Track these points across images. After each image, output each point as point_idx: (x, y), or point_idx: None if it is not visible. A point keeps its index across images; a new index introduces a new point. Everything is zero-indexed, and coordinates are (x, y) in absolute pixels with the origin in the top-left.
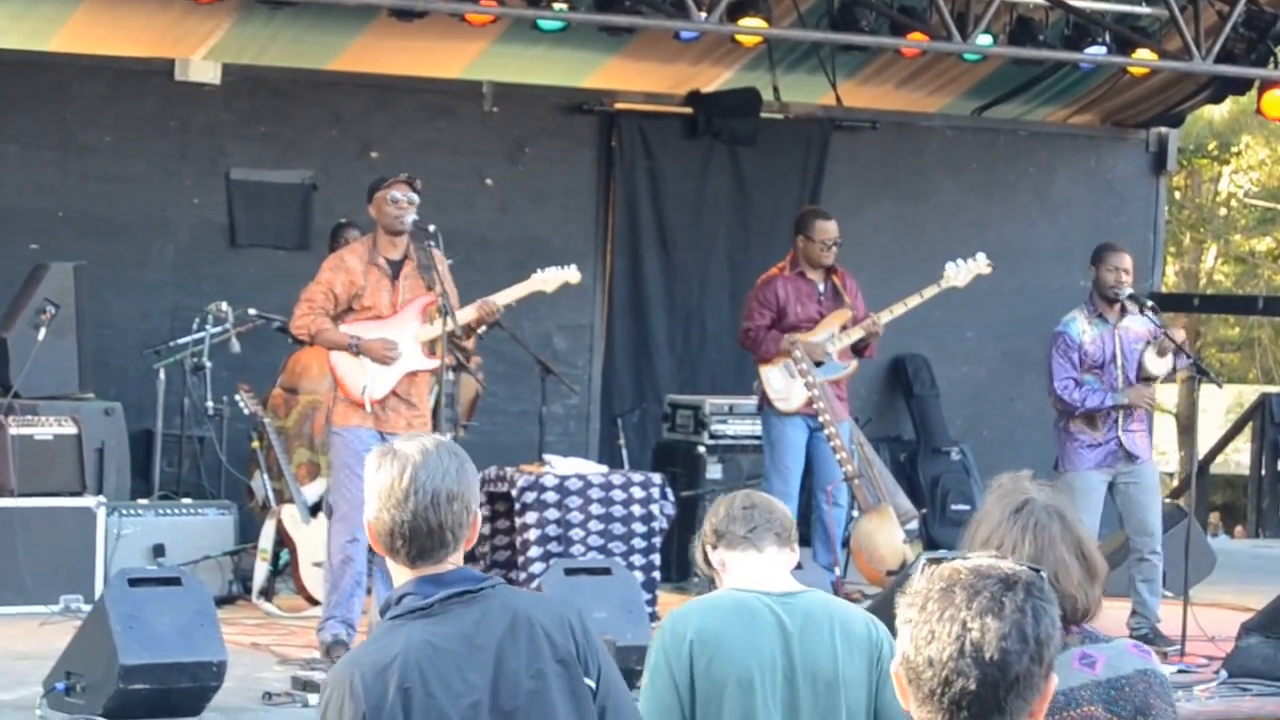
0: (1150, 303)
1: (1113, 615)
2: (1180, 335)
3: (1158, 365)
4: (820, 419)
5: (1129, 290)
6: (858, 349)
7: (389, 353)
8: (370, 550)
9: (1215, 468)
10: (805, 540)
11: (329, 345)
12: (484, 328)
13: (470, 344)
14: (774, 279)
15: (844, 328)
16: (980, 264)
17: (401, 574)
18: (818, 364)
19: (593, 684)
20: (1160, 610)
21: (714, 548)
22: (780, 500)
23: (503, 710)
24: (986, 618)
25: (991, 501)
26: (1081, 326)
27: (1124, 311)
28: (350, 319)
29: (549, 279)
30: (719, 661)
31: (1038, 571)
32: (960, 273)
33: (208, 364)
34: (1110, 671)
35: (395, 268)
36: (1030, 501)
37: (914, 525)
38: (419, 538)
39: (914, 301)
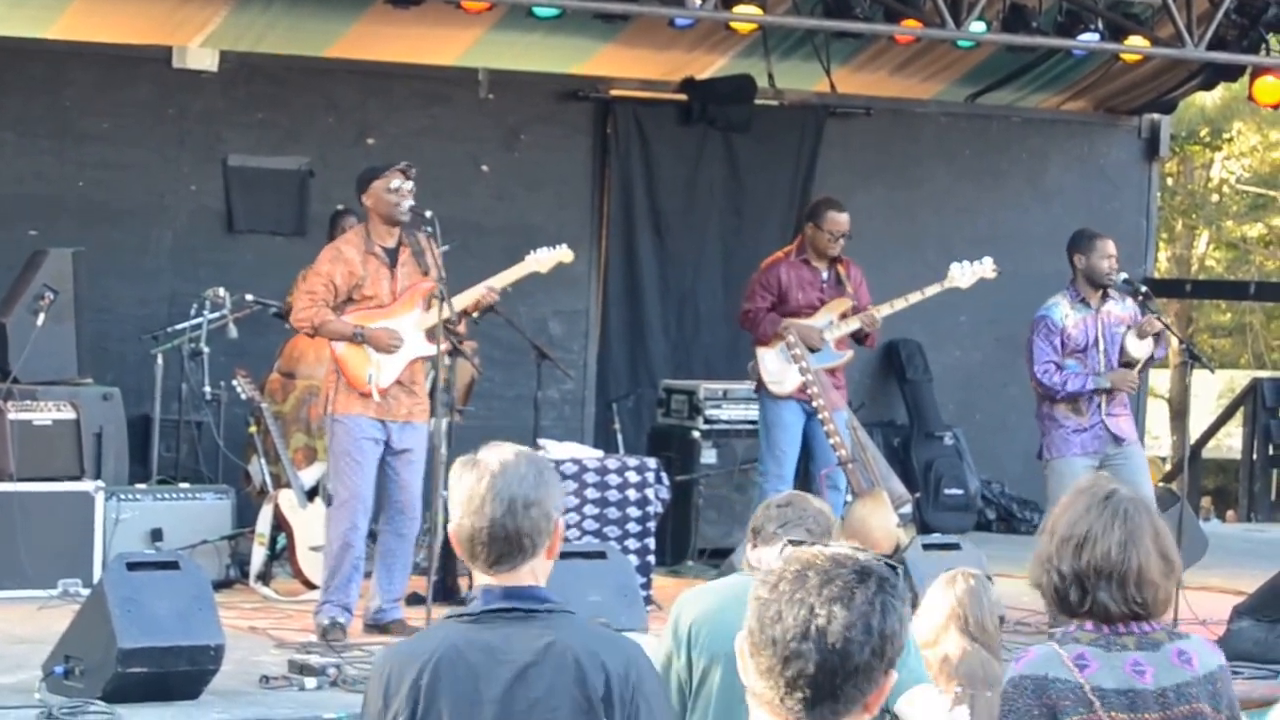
0: (1144, 288)
1: None
2: (1157, 326)
3: (1139, 349)
4: (814, 404)
5: (1124, 275)
6: (858, 337)
7: (393, 341)
8: (370, 536)
9: (1207, 452)
10: None
11: (333, 336)
12: (479, 312)
13: (462, 328)
14: (778, 263)
15: (843, 316)
16: (986, 268)
17: (482, 580)
18: (813, 350)
19: None
20: None
21: (753, 546)
22: (774, 482)
23: None
24: (835, 606)
25: (1071, 498)
26: (1064, 311)
27: (1105, 296)
28: (351, 309)
29: (543, 260)
30: (710, 640)
31: (894, 569)
32: (965, 274)
33: (205, 349)
34: (1204, 668)
35: (392, 255)
36: (1116, 491)
37: (907, 509)
38: (496, 544)
39: (915, 298)
